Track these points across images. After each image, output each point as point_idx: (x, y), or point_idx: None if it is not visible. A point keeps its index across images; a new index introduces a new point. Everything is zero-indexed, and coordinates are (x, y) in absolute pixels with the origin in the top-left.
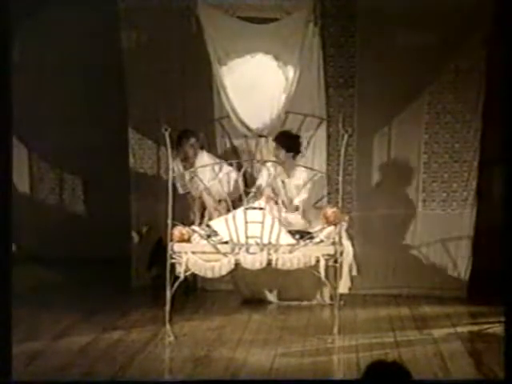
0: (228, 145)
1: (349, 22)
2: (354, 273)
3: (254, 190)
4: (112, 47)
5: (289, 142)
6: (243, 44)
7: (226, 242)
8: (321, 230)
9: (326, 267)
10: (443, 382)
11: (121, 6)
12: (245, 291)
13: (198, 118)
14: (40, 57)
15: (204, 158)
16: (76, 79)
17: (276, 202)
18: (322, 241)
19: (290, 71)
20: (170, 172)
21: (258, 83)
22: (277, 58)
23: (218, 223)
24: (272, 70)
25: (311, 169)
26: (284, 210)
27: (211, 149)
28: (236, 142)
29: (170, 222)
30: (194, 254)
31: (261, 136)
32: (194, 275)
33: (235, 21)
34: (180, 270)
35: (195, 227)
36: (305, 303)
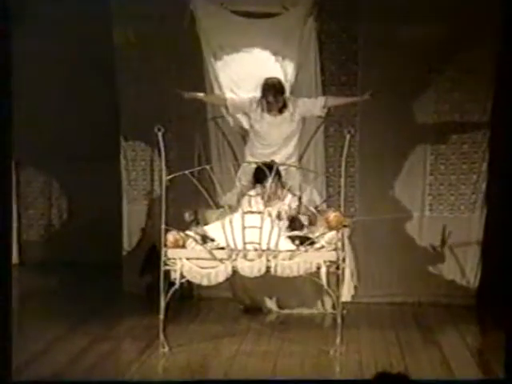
0: (223, 145)
1: (351, 18)
2: (355, 282)
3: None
4: (103, 44)
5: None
6: (239, 39)
7: (223, 248)
8: (322, 236)
9: (328, 274)
10: (443, 382)
11: (112, 1)
12: (243, 299)
13: (192, 118)
14: (28, 55)
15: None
16: (66, 78)
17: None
18: (323, 246)
19: (288, 67)
20: (164, 174)
21: (254, 80)
22: (274, 53)
23: (213, 228)
24: (269, 66)
25: (310, 170)
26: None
27: (206, 149)
28: (231, 142)
29: (163, 226)
30: (189, 260)
31: None
32: (190, 282)
33: (231, 15)
34: (175, 277)
35: (190, 232)
36: (305, 312)
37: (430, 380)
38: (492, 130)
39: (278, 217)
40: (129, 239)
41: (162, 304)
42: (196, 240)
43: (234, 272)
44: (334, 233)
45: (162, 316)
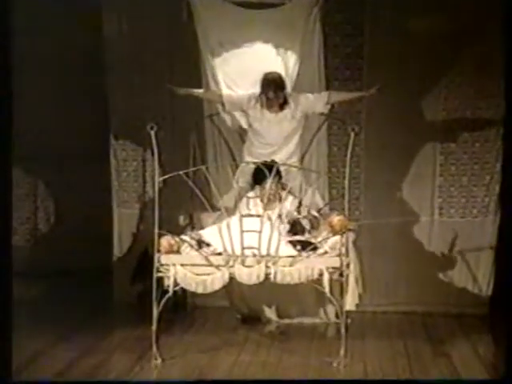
0: (219, 144)
1: (356, 8)
2: (360, 290)
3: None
4: (92, 38)
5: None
6: (239, 31)
7: (220, 254)
8: (325, 240)
9: (331, 281)
10: (444, 382)
11: None
12: (241, 308)
13: (187, 115)
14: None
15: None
16: (52, 74)
17: None
18: (326, 252)
19: (290, 61)
20: (156, 175)
21: (254, 75)
22: (276, 46)
23: (210, 232)
24: (270, 60)
25: (312, 171)
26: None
27: (201, 149)
28: (228, 141)
29: (156, 231)
30: (184, 266)
31: None
32: (184, 290)
33: (230, 6)
34: (168, 285)
35: (185, 237)
36: (307, 321)
37: (431, 380)
38: (506, 127)
39: (278, 220)
40: (119, 244)
41: (155, 313)
42: (191, 245)
43: (231, 279)
44: (337, 237)
45: (154, 326)
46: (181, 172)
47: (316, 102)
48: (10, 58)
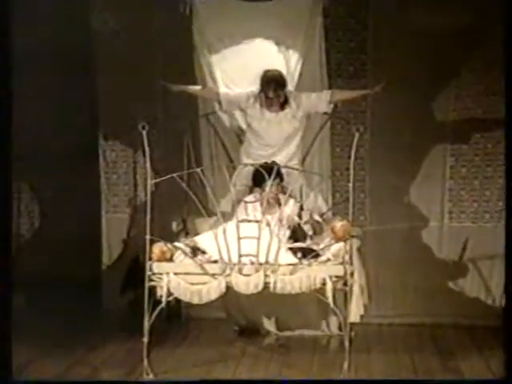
0: (216, 145)
1: (360, 1)
2: (365, 300)
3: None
4: (81, 31)
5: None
6: (238, 27)
7: (216, 262)
8: (328, 247)
9: (334, 291)
10: (443, 382)
11: None
12: (238, 319)
13: (181, 114)
14: None
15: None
16: (37, 71)
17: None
18: (329, 259)
19: (293, 59)
20: (149, 178)
21: (254, 73)
22: (277, 42)
23: (205, 239)
24: (270, 56)
25: (314, 173)
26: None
27: (196, 150)
28: (225, 142)
29: (148, 237)
30: (177, 275)
31: None
32: (178, 301)
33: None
34: (161, 294)
35: (178, 243)
36: (309, 334)
37: (433, 380)
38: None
39: (278, 225)
40: (109, 252)
41: (146, 325)
42: (185, 252)
43: (228, 288)
44: (341, 244)
45: (146, 339)
46: (174, 174)
47: (318, 101)
48: (10, 58)
